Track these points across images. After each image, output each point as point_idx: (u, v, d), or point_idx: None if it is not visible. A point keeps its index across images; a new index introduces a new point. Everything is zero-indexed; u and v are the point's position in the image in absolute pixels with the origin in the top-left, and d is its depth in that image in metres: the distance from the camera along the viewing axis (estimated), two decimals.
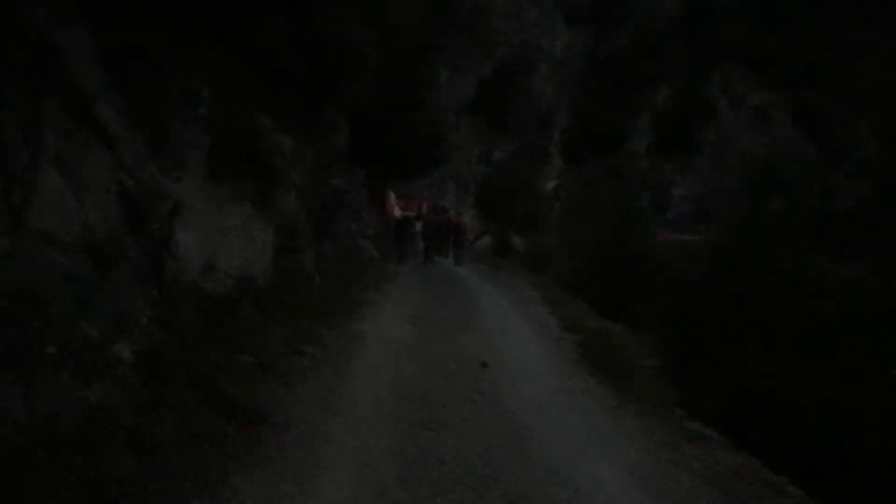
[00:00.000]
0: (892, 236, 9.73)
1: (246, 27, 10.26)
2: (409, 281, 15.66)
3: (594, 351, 9.02)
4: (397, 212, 23.32)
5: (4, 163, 5.17)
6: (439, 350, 9.09)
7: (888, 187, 11.02)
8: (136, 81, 7.39)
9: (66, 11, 6.47)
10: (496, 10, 38.62)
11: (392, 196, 23.32)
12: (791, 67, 46.04)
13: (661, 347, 8.45)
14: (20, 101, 5.48)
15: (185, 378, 6.27)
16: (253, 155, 10.19)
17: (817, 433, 6.70)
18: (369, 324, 10.33)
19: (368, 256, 17.48)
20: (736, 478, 5.68)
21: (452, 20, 33.57)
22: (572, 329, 10.58)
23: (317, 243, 12.88)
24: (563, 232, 32.82)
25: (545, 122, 41.03)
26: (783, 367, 7.03)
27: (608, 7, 44.03)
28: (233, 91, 9.88)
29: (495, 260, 23.45)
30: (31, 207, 5.34)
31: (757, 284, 7.72)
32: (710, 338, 7.72)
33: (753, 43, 45.43)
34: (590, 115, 41.78)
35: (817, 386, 6.96)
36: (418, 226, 25.36)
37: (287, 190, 11.23)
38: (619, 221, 16.59)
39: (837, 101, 45.75)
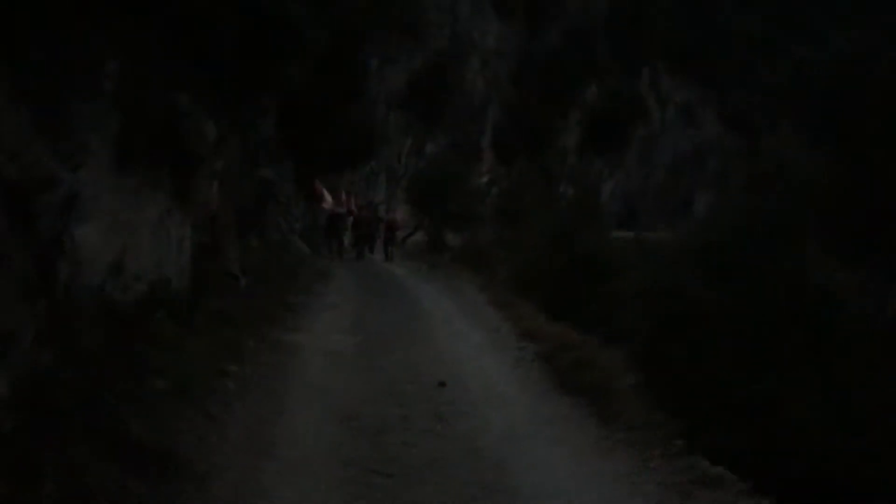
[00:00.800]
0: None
1: None
2: (344, 281, 14.41)
3: (560, 364, 7.98)
4: (328, 205, 21.77)
5: None
6: (386, 365, 7.91)
7: None
8: (21, 43, 5.96)
9: None
10: (427, 1, 37.53)
11: (325, 190, 21.80)
12: (716, 66, 46.44)
13: (637, 361, 7.50)
14: None
15: (78, 414, 4.91)
16: (170, 139, 8.77)
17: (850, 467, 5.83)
18: (304, 333, 9.08)
19: (299, 253, 16.12)
20: None
21: (385, 8, 32.31)
22: (530, 337, 9.53)
23: (243, 240, 11.50)
24: (499, 229, 31.97)
25: (477, 116, 40.09)
26: (794, 388, 6.15)
27: (539, 2, 43.39)
28: (146, 65, 8.45)
29: (430, 257, 22.30)
30: None
31: (756, 290, 6.82)
32: (698, 351, 6.80)
33: (679, 42, 45.58)
34: (521, 111, 41.04)
35: (837, 410, 6.12)
36: (349, 221, 24.22)
37: (209, 180, 9.83)
38: (568, 218, 15.58)
39: (761, 99, 46.44)
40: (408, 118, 36.61)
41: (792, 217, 7.66)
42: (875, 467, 5.92)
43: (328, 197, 21.67)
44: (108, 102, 7.44)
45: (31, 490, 3.99)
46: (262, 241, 12.90)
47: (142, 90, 8.40)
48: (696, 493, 4.76)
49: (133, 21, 8.07)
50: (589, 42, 43.74)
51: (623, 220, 41.35)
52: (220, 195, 10.30)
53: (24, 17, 6.05)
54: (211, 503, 4.32)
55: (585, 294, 12.41)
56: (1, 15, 5.51)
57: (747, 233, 7.30)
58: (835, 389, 6.35)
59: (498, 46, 41.22)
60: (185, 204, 9.14)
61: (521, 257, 16.26)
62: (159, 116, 8.61)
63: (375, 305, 11.66)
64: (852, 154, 10.37)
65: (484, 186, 37.43)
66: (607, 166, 43.44)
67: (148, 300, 8.05)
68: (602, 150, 43.04)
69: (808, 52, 49.03)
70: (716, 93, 46.57)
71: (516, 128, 40.87)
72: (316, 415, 6.11)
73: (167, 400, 5.69)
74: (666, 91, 45.92)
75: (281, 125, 17.71)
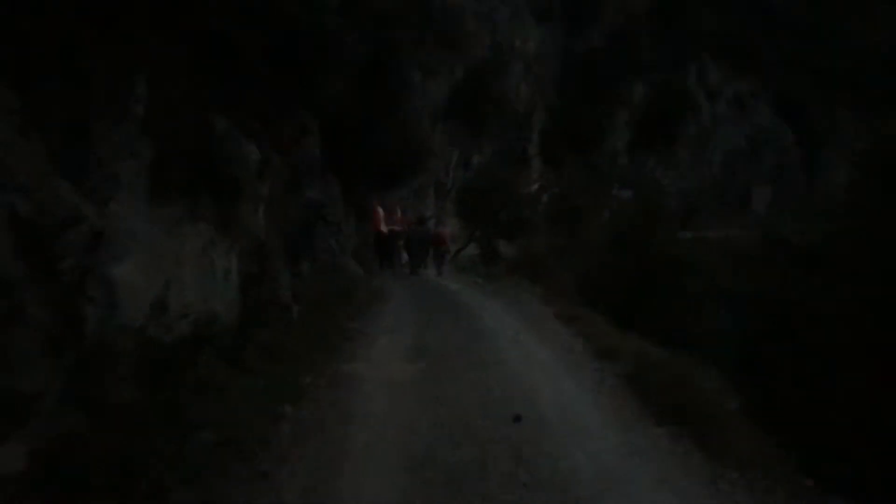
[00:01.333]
0: None
1: (196, 3, 8.26)
2: (400, 301, 13.66)
3: (648, 387, 7.07)
4: (384, 225, 21.08)
5: None
6: (454, 395, 7.10)
7: None
8: (35, 67, 5.37)
9: None
10: (467, 10, 36.85)
11: (380, 209, 21.18)
12: (766, 55, 44.77)
13: (737, 380, 6.57)
14: None
15: (106, 485, 4.22)
16: (208, 165, 8.15)
17: None
18: (363, 362, 8.32)
19: (352, 275, 15.44)
20: None
21: (424, 19, 31.78)
22: (607, 355, 8.63)
23: (292, 266, 10.84)
24: (553, 236, 31.00)
25: (522, 123, 39.20)
26: None
27: (578, 4, 42.38)
28: (180, 85, 7.85)
29: (485, 269, 21.47)
30: None
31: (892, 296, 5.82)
32: (814, 368, 5.85)
33: (726, 33, 44.07)
34: (567, 115, 40.05)
35: None
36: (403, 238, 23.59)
37: (253, 205, 9.19)
38: (636, 220, 14.52)
39: (814, 87, 44.57)
40: (453, 130, 35.93)
41: None
42: None
43: (381, 215, 20.80)
44: (137, 128, 6.86)
45: None
46: (313, 266, 12.23)
47: (174, 114, 7.82)
48: None
49: (161, 39, 7.48)
50: (631, 39, 42.57)
51: (682, 218, 39.98)
52: (266, 221, 9.65)
53: (36, 37, 5.46)
54: None
55: (659, 301, 11.44)
56: (5, 32, 4.92)
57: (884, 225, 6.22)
58: None
59: (539, 51, 40.33)
60: (230, 232, 8.52)
61: (582, 263, 15.29)
62: (195, 141, 8.01)
63: (435, 326, 10.86)
64: None
65: (534, 193, 36.56)
66: (659, 165, 42.06)
67: (194, 339, 7.41)
68: (653, 149, 41.74)
69: (860, 36, 47.07)
70: (767, 83, 44.85)
71: (563, 132, 39.90)
72: (382, 463, 5.33)
73: (214, 456, 4.97)
74: (715, 84, 44.38)
75: (325, 144, 17.15)
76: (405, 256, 23.64)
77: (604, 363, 8.42)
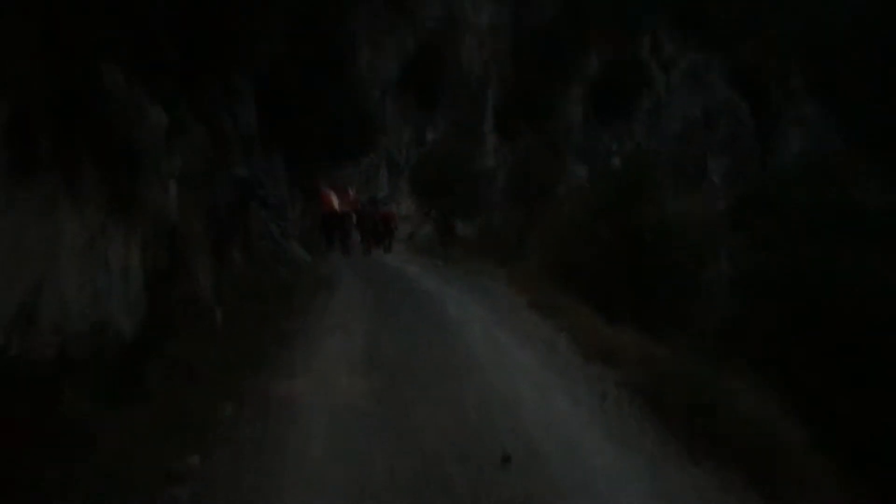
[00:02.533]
0: None
1: None
2: (350, 290, 11.85)
3: (666, 404, 5.43)
4: (335, 204, 19.51)
5: None
6: (419, 423, 5.34)
7: None
8: None
9: None
10: None
11: (328, 190, 19.78)
12: (720, 26, 43.53)
13: (781, 391, 4.99)
14: None
15: None
16: (94, 128, 6.21)
17: None
18: (302, 378, 6.51)
19: (296, 261, 13.53)
20: None
21: None
22: (602, 357, 6.96)
23: (219, 257, 8.91)
24: (511, 213, 29.38)
25: (476, 97, 37.35)
26: None
27: None
28: (56, 24, 5.88)
29: (443, 251, 19.74)
30: None
31: None
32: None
33: (679, 3, 42.71)
34: (521, 88, 38.26)
35: None
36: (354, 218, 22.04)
37: (161, 183, 7.24)
38: (621, 189, 12.61)
39: (768, 56, 43.58)
40: (404, 105, 33.96)
41: None
42: None
43: (332, 197, 19.48)
44: None
45: None
46: (246, 254, 10.30)
47: (49, 59, 5.90)
48: None
49: None
50: (585, 11, 40.92)
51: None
52: (181, 202, 7.70)
53: None
54: None
55: (651, 285, 9.80)
56: None
57: None
58: None
59: (492, 23, 38.42)
60: (129, 217, 6.59)
61: (553, 243, 13.56)
62: (72, 97, 6.05)
63: (392, 321, 9.09)
64: None
65: (490, 169, 34.83)
66: (615, 138, 40.66)
67: (70, 360, 5.53)
68: (608, 122, 40.28)
69: (814, 5, 46.26)
70: (721, 54, 43.64)
71: (518, 105, 38.14)
72: None
73: None
74: (669, 56, 43.04)
75: (263, 114, 15.19)
76: (357, 237, 22.19)
77: (600, 368, 6.75)
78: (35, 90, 5.57)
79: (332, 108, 20.35)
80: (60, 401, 4.79)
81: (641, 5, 41.76)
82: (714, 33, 43.22)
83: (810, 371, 5.67)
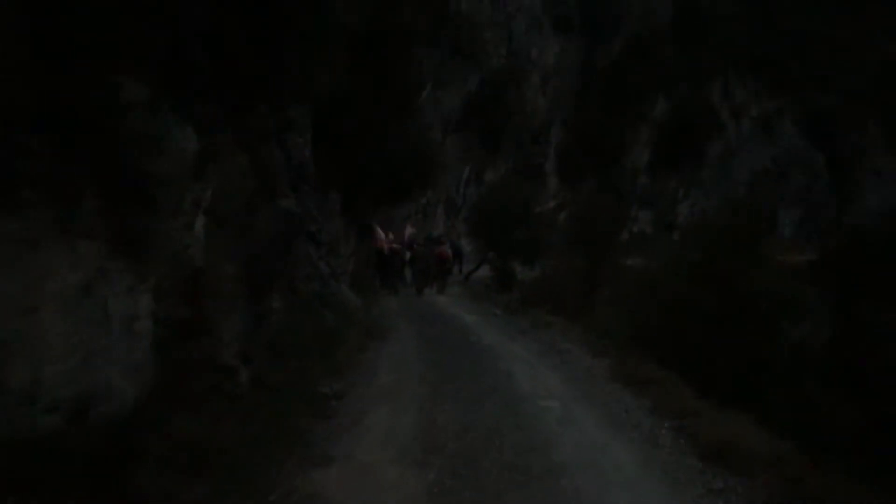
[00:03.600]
0: None
1: None
2: (403, 341, 10.47)
3: None
4: (386, 243, 19.67)
5: None
6: None
7: None
8: None
9: None
10: (482, 17, 33.90)
11: (378, 228, 19.76)
12: (793, 73, 41.54)
13: None
14: None
15: None
16: (105, 149, 5.02)
17: None
18: (338, 467, 5.11)
19: (346, 306, 12.22)
20: None
21: (439, 23, 28.82)
22: (723, 459, 5.40)
23: (258, 304, 7.62)
24: (572, 259, 27.74)
25: (539, 138, 36.14)
26: None
27: (598, 15, 39.37)
28: (57, 20, 4.72)
29: (501, 297, 18.28)
30: None
31: None
32: None
33: (752, 49, 40.93)
34: (585, 130, 36.92)
35: None
36: (407, 256, 21.03)
37: (185, 217, 6.01)
38: (725, 239, 10.85)
39: (844, 106, 41.31)
40: (465, 143, 32.90)
41: None
42: None
43: (382, 235, 19.45)
44: None
45: None
46: (290, 299, 9.01)
47: (49, 65, 4.76)
48: None
49: None
50: (653, 52, 39.50)
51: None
52: (210, 239, 6.45)
53: None
54: None
55: (761, 356, 8.17)
56: None
57: None
58: None
59: (557, 63, 37.31)
60: (138, 256, 5.34)
61: (635, 298, 11.97)
62: (88, 115, 4.87)
63: (450, 388, 7.65)
64: None
65: (551, 212, 33.41)
66: (682, 185, 38.82)
67: (58, 438, 4.28)
68: (676, 168, 38.51)
69: (889, 54, 43.89)
70: (794, 102, 41.56)
71: (581, 147, 36.78)
72: None
73: None
74: (740, 102, 41.16)
75: (321, 146, 14.05)
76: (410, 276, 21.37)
77: (723, 475, 5.18)
78: (18, 97, 4.40)
79: (392, 144, 19.27)
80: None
81: (712, 49, 40.20)
82: (787, 80, 41.28)
83: None
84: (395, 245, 20.91)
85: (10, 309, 4.29)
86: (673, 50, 39.93)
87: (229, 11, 7.38)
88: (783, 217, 39.83)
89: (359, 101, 15.51)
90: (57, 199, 4.63)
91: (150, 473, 4.37)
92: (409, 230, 24.48)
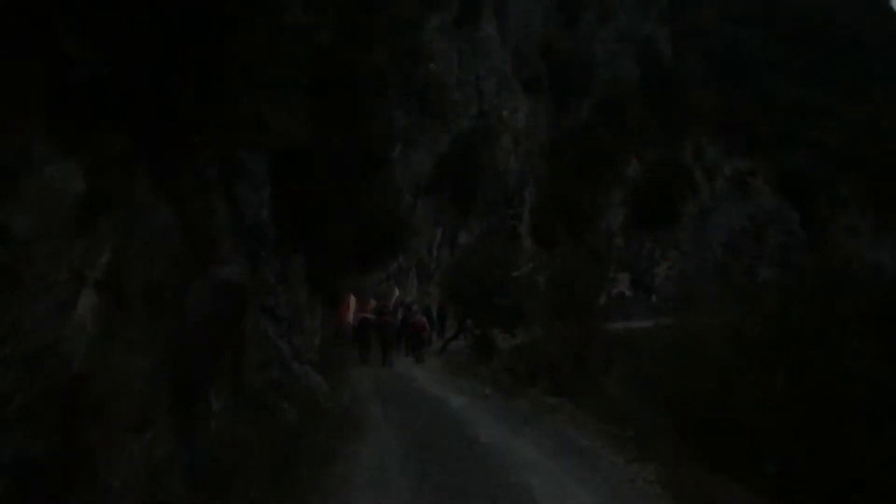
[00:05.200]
0: None
1: None
2: (381, 442, 8.23)
3: None
4: (353, 315, 18.70)
5: None
6: None
7: None
8: None
9: None
10: (452, 77, 32.54)
11: (352, 298, 19.00)
12: (764, 132, 40.94)
13: None
14: None
15: None
16: None
17: None
18: None
19: (310, 391, 9.99)
20: None
21: (405, 85, 27.26)
22: None
23: (177, 418, 5.41)
24: (552, 326, 25.68)
25: (512, 199, 34.49)
26: None
27: (567, 77, 38.36)
28: None
29: (488, 372, 16.12)
30: None
31: None
32: None
33: (722, 108, 40.30)
34: (559, 191, 35.46)
35: None
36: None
37: (54, 297, 3.82)
38: (806, 306, 8.62)
39: (816, 165, 40.62)
40: (437, 205, 31.04)
41: None
42: None
43: (354, 305, 18.75)
44: None
45: None
46: (235, 397, 6.77)
47: None
48: None
49: None
50: (623, 113, 38.48)
51: (681, 306, 35.03)
52: (103, 328, 4.26)
53: None
54: None
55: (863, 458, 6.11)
56: None
57: None
58: None
59: (528, 123, 35.96)
60: None
61: (660, 373, 9.84)
62: None
63: None
64: None
65: (528, 276, 31.38)
66: (658, 246, 37.34)
67: None
68: (651, 229, 37.08)
69: (857, 113, 43.64)
70: (765, 160, 40.79)
71: (555, 209, 35.17)
72: None
73: None
74: (712, 161, 40.26)
75: (282, 206, 12.01)
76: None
77: None
78: None
79: (362, 204, 17.28)
80: None
81: (682, 109, 39.37)
82: (758, 139, 40.60)
83: None
84: (367, 315, 19.21)
85: None
86: (643, 110, 39.03)
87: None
88: (761, 275, 38.50)
89: (325, 154, 13.53)
90: None
91: None
92: (395, 294, 22.92)
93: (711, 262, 37.56)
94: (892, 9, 66.32)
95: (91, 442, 3.80)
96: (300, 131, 11.72)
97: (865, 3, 59.73)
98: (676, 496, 6.06)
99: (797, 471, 6.50)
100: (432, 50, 30.22)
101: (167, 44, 5.56)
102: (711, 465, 6.56)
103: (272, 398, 8.19)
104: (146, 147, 5.49)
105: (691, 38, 43.65)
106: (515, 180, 34.61)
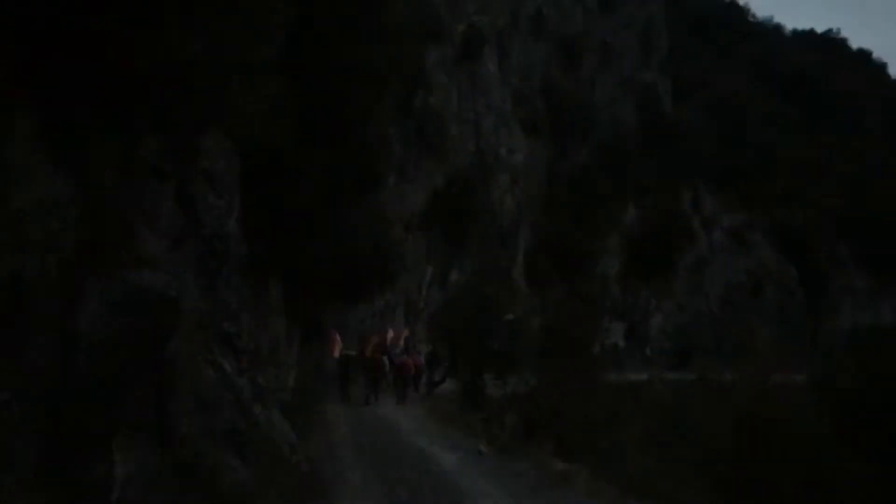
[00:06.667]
0: None
1: None
2: None
3: None
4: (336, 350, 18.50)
5: None
6: None
7: None
8: None
9: None
10: (450, 111, 31.08)
11: (337, 335, 18.96)
12: (762, 186, 39.64)
13: None
14: None
15: None
16: None
17: None
18: None
19: (271, 444, 8.00)
20: None
21: (404, 116, 25.74)
22: None
23: (54, 484, 3.42)
24: (546, 373, 23.69)
25: (506, 240, 32.78)
26: None
27: (566, 120, 37.00)
28: None
29: (483, 426, 14.15)
30: None
31: None
32: None
33: (721, 160, 39.03)
34: (554, 235, 33.82)
35: None
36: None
37: None
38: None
39: (814, 222, 39.27)
40: (429, 242, 29.29)
41: None
42: None
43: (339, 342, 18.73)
44: None
45: None
46: (155, 455, 4.82)
47: None
48: None
49: None
50: (621, 160, 37.10)
51: (676, 359, 33.20)
52: None
53: None
54: None
55: None
56: None
57: None
58: None
59: (526, 163, 34.44)
60: None
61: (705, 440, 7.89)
62: None
63: None
64: None
65: (520, 320, 29.43)
66: (654, 296, 35.62)
67: None
68: (647, 278, 35.39)
69: (855, 173, 42.55)
70: (763, 214, 39.41)
71: (550, 252, 33.49)
72: None
73: None
74: (710, 212, 38.79)
75: (254, 218, 10.11)
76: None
77: None
78: None
79: (349, 232, 15.40)
80: None
81: (681, 158, 38.06)
82: (756, 192, 39.28)
83: None
84: (349, 353, 18.89)
85: None
86: (641, 158, 37.69)
87: None
88: (758, 334, 36.74)
89: (311, 165, 11.71)
90: None
91: None
92: (390, 333, 21.42)
93: (707, 316, 35.83)
94: (889, 76, 66.15)
95: None
96: (279, 131, 9.95)
97: (864, 67, 59.56)
98: None
99: None
100: (432, 82, 28.84)
101: None
102: None
103: (215, 453, 6.21)
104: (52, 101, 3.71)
105: (692, 89, 42.64)
106: (510, 221, 32.94)
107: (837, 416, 6.45)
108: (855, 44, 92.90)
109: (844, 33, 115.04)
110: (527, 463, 9.63)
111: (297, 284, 14.30)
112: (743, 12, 67.80)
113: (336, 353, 18.90)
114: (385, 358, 19.91)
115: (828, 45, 63.31)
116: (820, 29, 77.26)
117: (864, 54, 68.46)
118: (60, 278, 3.74)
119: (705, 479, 7.30)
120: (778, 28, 68.96)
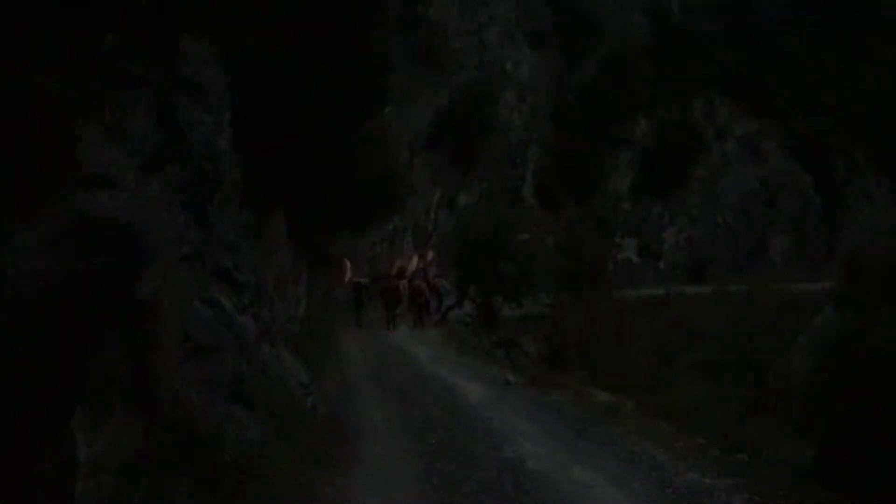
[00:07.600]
0: None
1: None
2: (381, 466, 5.36)
3: None
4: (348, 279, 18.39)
5: None
6: None
7: None
8: None
9: None
10: (452, 24, 29.23)
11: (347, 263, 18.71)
12: (778, 94, 37.81)
13: None
14: None
15: None
16: None
17: None
18: None
19: (282, 388, 7.09)
20: None
21: (404, 27, 24.01)
22: None
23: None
24: (561, 296, 22.83)
25: (515, 159, 31.43)
26: None
27: (573, 31, 34.93)
28: None
29: (505, 356, 13.29)
30: None
31: None
32: None
33: (734, 68, 37.06)
34: (564, 152, 32.34)
35: None
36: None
37: None
38: None
39: (831, 129, 37.62)
40: (436, 164, 27.96)
41: None
42: None
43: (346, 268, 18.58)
44: None
45: None
46: (135, 422, 3.86)
47: None
48: None
49: None
50: (631, 72, 35.20)
51: (690, 273, 32.31)
52: None
53: None
54: None
55: None
56: None
57: None
58: None
59: (533, 78, 32.68)
60: None
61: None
62: None
63: None
64: None
65: (533, 241, 28.42)
66: (667, 211, 34.45)
67: None
68: (659, 193, 34.14)
69: (869, 75, 40.47)
70: (779, 123, 37.68)
71: (560, 171, 32.15)
72: None
73: None
74: (723, 122, 37.14)
75: (252, 141, 8.88)
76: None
77: None
78: None
79: (354, 155, 14.21)
80: None
81: (693, 68, 36.20)
82: (771, 101, 37.48)
83: None
84: (360, 279, 18.96)
85: None
86: (652, 69, 35.81)
87: None
88: (773, 243, 35.75)
89: (310, 81, 10.44)
90: None
91: None
92: (414, 258, 21.07)
93: (722, 228, 34.75)
94: None
95: None
96: (271, 41, 8.68)
97: None
98: None
99: None
100: None
101: None
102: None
103: (216, 407, 5.28)
104: None
105: None
106: (519, 139, 31.52)
107: None
108: None
109: None
110: (561, 394, 8.75)
111: (301, 213, 13.25)
112: None
113: (347, 281, 18.73)
114: (403, 283, 19.40)
115: None
116: None
117: None
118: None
119: (772, 418, 6.37)
120: None
